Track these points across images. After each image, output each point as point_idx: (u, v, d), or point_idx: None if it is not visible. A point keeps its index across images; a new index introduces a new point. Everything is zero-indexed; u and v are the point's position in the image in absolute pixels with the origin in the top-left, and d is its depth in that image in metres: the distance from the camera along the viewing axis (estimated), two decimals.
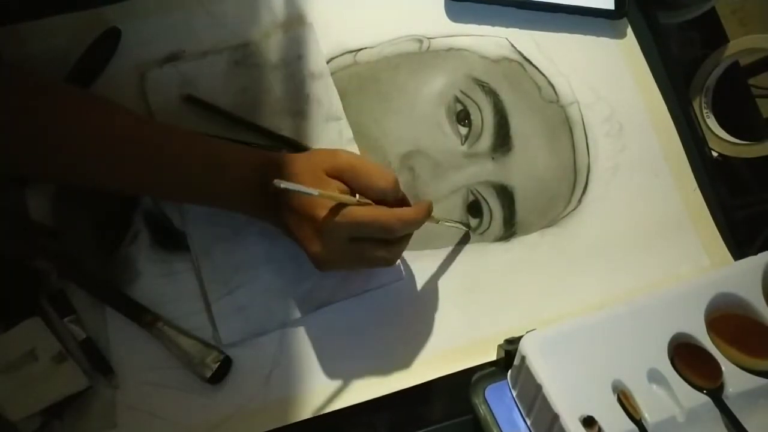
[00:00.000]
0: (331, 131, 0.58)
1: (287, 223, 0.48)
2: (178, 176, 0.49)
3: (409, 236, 0.50)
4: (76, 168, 0.49)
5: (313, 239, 0.46)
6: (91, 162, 0.49)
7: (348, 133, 0.58)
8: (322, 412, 0.52)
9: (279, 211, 0.48)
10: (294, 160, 0.48)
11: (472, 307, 0.56)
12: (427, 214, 0.49)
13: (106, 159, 0.49)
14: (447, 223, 0.56)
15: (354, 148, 0.58)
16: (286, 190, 0.43)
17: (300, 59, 0.60)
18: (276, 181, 0.42)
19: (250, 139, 0.57)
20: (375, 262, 0.48)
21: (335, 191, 0.46)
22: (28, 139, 0.48)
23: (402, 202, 0.50)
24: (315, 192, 0.43)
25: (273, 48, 0.60)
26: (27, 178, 0.55)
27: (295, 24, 0.61)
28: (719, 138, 0.72)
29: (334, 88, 0.59)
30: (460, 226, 0.58)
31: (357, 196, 0.47)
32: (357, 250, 0.47)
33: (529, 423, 0.49)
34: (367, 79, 0.61)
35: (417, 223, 0.48)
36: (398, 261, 0.56)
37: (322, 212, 0.45)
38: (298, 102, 0.59)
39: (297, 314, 0.54)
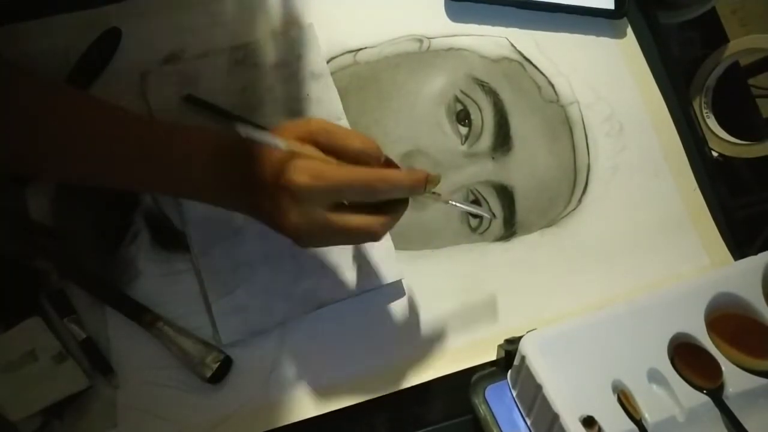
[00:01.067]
0: None
1: (262, 203, 0.44)
2: (170, 171, 0.47)
3: (400, 206, 0.45)
4: (76, 167, 0.49)
5: (290, 210, 0.42)
6: (91, 162, 0.49)
7: None
8: (322, 412, 0.52)
9: (252, 192, 0.44)
10: None
11: (472, 307, 0.56)
12: (420, 182, 0.43)
13: (104, 158, 0.49)
14: (459, 205, 0.49)
15: None
16: (256, 166, 0.41)
17: (300, 59, 0.60)
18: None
19: None
20: (359, 233, 0.44)
21: None
22: (27, 138, 0.48)
23: (389, 166, 0.46)
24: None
25: (273, 48, 0.60)
26: (27, 177, 0.55)
27: (296, 24, 0.61)
28: (719, 138, 0.72)
29: (334, 88, 0.59)
30: (476, 211, 0.54)
31: None
32: (339, 220, 0.43)
33: (529, 423, 0.49)
34: (367, 79, 0.61)
35: (404, 187, 0.43)
36: (396, 260, 0.56)
37: (298, 177, 0.41)
38: (298, 102, 0.59)
39: (297, 314, 0.54)
